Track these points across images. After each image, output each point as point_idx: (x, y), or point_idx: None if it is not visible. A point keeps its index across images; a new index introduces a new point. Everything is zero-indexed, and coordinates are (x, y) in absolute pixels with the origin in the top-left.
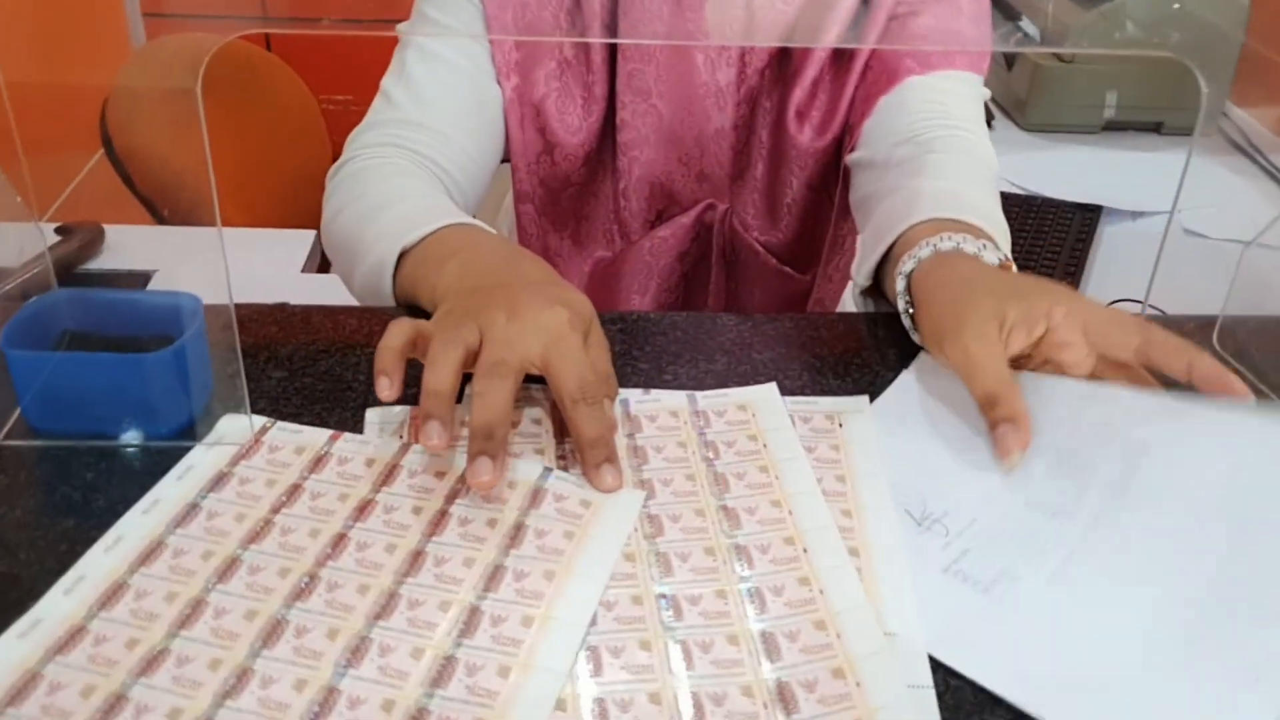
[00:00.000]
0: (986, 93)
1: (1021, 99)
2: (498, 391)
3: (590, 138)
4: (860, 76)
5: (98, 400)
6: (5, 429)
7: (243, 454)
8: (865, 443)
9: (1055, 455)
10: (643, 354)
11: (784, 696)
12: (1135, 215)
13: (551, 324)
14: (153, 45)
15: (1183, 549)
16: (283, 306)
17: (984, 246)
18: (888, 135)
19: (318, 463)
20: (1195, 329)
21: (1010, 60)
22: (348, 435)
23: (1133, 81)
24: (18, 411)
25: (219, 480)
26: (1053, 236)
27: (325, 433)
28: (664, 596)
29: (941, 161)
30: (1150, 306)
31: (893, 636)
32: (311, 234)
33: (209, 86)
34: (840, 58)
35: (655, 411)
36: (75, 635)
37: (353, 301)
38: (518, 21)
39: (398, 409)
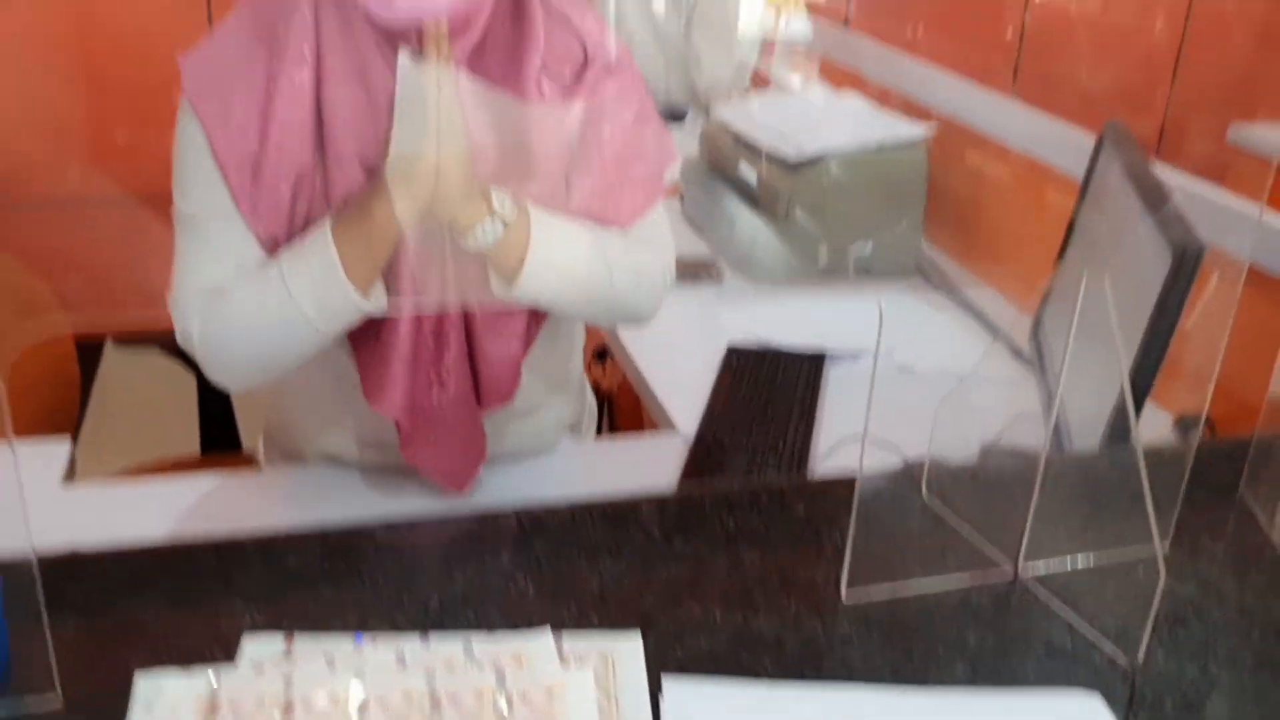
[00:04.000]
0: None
1: (745, 254)
2: None
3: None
4: None
5: None
6: None
7: None
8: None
9: None
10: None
11: None
12: (855, 357)
13: None
14: None
15: None
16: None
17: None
18: None
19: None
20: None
21: (733, 220)
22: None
23: (841, 233)
24: None
25: None
26: (785, 385)
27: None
28: None
29: None
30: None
31: None
32: (66, 441)
33: None
34: None
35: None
36: None
37: (142, 541)
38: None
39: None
